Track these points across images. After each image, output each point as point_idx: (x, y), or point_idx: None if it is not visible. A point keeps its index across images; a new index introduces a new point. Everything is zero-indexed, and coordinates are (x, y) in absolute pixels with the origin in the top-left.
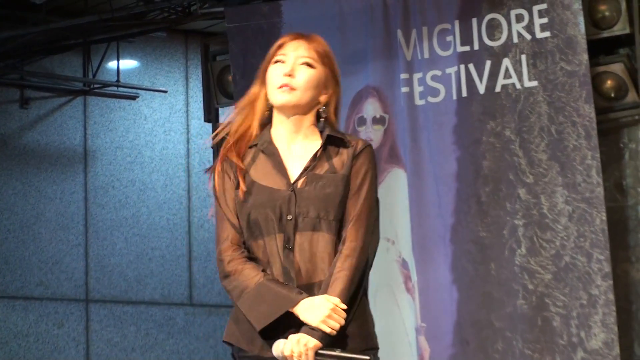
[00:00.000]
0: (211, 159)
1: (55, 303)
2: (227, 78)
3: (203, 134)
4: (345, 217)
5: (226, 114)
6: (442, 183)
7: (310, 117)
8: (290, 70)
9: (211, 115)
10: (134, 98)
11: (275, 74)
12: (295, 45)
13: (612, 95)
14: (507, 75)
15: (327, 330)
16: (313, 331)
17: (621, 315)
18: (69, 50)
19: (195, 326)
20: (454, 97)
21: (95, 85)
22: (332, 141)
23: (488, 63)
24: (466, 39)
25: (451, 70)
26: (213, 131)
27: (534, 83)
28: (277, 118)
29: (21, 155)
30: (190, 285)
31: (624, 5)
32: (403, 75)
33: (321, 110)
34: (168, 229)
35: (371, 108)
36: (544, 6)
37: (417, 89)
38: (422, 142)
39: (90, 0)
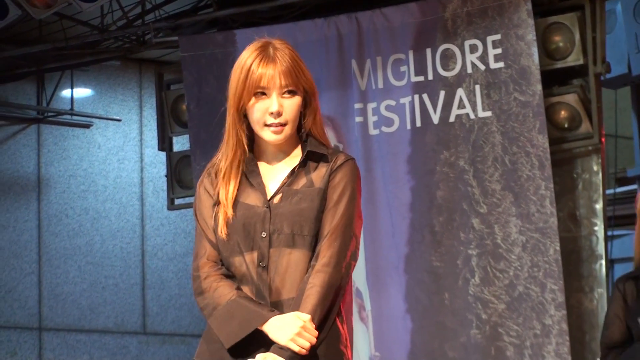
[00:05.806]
0: (165, 187)
1: (8, 331)
2: (182, 107)
3: (157, 163)
4: (320, 232)
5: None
6: (396, 213)
7: (293, 134)
8: (278, 106)
9: (165, 144)
10: (87, 126)
11: (260, 110)
12: (272, 75)
13: (566, 125)
14: (461, 105)
15: (296, 349)
16: (282, 350)
17: (574, 345)
18: (22, 78)
19: (149, 355)
20: (408, 127)
21: (49, 114)
22: (313, 156)
23: (442, 93)
24: (420, 69)
25: (405, 100)
26: (166, 159)
27: (488, 113)
28: (260, 138)
29: None
30: (144, 314)
31: (577, 36)
32: (357, 105)
33: (303, 130)
34: (121, 257)
35: None
36: (497, 37)
37: (371, 118)
38: (376, 171)
39: (44, 28)
